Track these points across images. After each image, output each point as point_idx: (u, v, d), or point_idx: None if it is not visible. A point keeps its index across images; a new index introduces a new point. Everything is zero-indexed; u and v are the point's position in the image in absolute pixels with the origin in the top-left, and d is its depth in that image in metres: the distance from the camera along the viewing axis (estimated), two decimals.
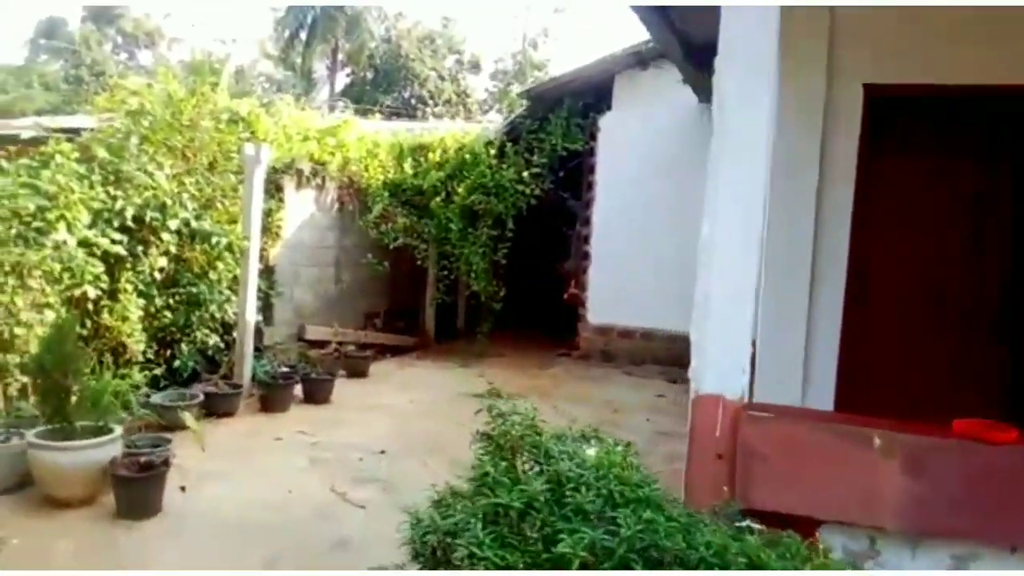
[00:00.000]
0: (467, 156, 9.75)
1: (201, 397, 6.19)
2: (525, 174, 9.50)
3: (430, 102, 31.54)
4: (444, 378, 8.59)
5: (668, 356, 9.72)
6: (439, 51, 33.33)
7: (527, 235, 10.21)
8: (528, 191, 9.55)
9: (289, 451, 5.75)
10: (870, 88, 4.86)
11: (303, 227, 9.09)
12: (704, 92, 8.62)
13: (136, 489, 4.39)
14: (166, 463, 4.51)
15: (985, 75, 4.52)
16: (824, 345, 5.14)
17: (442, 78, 32.99)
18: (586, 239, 10.28)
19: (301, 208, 9.08)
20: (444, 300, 9.94)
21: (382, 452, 5.78)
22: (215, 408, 6.35)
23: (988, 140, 4.83)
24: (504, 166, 9.56)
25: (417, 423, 6.69)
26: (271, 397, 6.80)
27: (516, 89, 42.20)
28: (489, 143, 9.77)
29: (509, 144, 9.69)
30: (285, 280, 8.82)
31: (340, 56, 31.79)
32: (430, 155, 10.04)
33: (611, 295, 9.94)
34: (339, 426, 6.48)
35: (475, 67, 37.40)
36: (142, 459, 4.50)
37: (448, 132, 10.48)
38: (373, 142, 10.07)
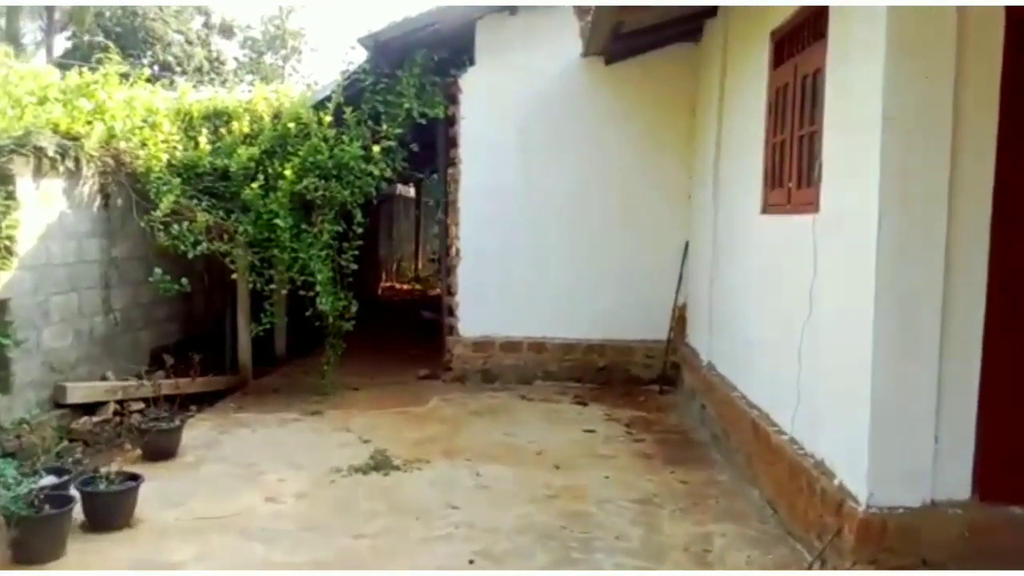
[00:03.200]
0: (290, 125, 7.13)
1: None
2: (376, 149, 7.10)
3: (177, 69, 26.94)
4: (297, 441, 6.01)
5: (563, 370, 7.92)
6: (184, 11, 28.62)
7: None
8: (379, 171, 7.17)
9: None
10: None
11: (51, 236, 6.04)
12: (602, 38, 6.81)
13: None
14: None
15: None
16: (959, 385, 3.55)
17: (189, 42, 28.41)
18: (447, 229, 8.10)
19: (45, 208, 6.01)
20: (271, 324, 7.25)
21: None
22: None
23: None
24: (345, 138, 7.09)
25: (300, 549, 4.16)
26: (33, 538, 3.97)
27: (270, 59, 38.07)
28: (321, 107, 7.22)
29: (348, 110, 7.19)
30: (27, 319, 5.76)
31: (57, 15, 26.04)
32: (235, 125, 7.26)
33: (490, 299, 7.87)
34: None
35: (226, 32, 33.02)
36: None
37: (258, 95, 7.70)
38: (147, 108, 7.09)
